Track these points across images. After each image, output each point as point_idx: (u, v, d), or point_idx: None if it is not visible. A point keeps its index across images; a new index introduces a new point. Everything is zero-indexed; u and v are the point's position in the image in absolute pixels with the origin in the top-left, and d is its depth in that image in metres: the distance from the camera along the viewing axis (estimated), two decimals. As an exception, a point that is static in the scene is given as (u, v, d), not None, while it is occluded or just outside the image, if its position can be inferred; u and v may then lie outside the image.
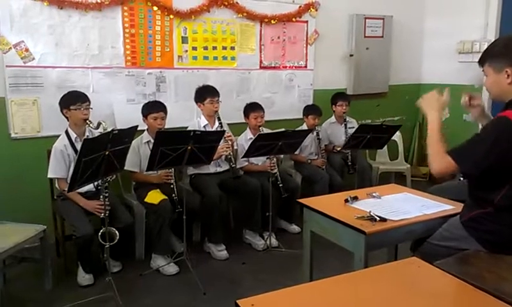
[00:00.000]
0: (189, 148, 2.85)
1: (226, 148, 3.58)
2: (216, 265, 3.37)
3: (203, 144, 2.93)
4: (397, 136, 4.75)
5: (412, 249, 2.28)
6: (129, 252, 3.35)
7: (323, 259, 2.66)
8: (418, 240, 2.19)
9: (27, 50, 3.40)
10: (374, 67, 5.21)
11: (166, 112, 3.47)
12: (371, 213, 2.10)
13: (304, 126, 4.29)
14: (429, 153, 1.94)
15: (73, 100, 3.08)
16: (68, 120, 3.14)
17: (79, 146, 2.97)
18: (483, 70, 2.03)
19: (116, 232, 2.85)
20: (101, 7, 3.61)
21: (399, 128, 4.05)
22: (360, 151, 4.17)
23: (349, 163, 4.28)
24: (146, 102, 3.62)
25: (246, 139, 3.88)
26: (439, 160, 1.87)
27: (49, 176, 3.09)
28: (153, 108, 3.44)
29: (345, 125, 4.45)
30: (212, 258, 3.46)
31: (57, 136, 3.15)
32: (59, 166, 3.05)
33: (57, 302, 2.76)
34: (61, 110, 3.12)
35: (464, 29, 5.16)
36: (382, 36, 5.20)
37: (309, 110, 4.33)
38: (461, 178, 3.43)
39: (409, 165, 5.02)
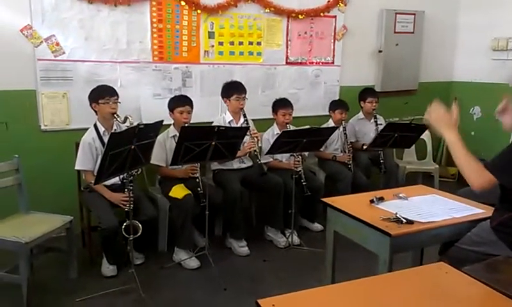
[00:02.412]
0: (213, 143, 2.85)
1: (252, 144, 3.57)
2: (237, 261, 3.37)
3: (227, 140, 2.93)
4: (425, 135, 4.62)
5: (440, 252, 2.21)
6: (152, 245, 3.39)
7: (346, 260, 2.61)
8: (447, 244, 2.13)
9: (57, 44, 3.47)
10: (404, 64, 5.08)
11: (192, 106, 3.48)
12: (397, 215, 2.04)
13: (331, 122, 4.23)
14: (464, 173, 1.83)
15: (102, 94, 3.13)
16: (96, 114, 3.19)
17: (106, 139, 3.01)
18: None
19: (140, 225, 2.89)
20: (130, 2, 3.65)
21: (428, 128, 3.94)
22: (387, 150, 4.07)
23: (381, 160, 4.14)
24: (172, 96, 3.64)
25: (272, 134, 3.86)
26: (477, 177, 1.78)
27: (76, 168, 3.16)
28: (180, 102, 3.46)
29: (376, 121, 4.35)
30: (234, 253, 3.46)
31: (86, 129, 3.20)
32: (87, 159, 3.11)
33: (82, 292, 2.82)
34: (90, 104, 3.17)
35: (499, 25, 4.97)
36: (413, 32, 5.07)
37: (336, 105, 4.25)
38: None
39: (437, 166, 4.88)
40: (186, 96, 3.57)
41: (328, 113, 4.34)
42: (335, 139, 4.20)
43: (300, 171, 3.64)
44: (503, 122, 2.18)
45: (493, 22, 5.02)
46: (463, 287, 1.47)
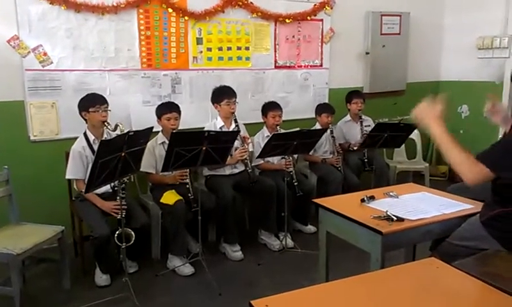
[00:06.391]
0: (204, 148, 2.85)
1: (244, 152, 3.58)
2: (232, 265, 3.37)
3: (218, 144, 2.93)
4: (415, 134, 4.67)
5: (431, 249, 2.23)
6: (145, 253, 3.37)
7: (339, 260, 2.63)
8: (438, 240, 2.15)
9: (45, 54, 3.46)
10: (391, 65, 5.14)
11: (179, 113, 3.47)
12: (388, 213, 2.06)
13: (317, 126, 4.26)
14: (456, 166, 1.79)
15: (91, 103, 3.12)
16: (86, 122, 3.18)
17: (96, 147, 3.00)
18: None
19: (132, 233, 2.88)
20: (117, 10, 3.64)
21: (417, 127, 3.97)
22: (377, 150, 4.12)
23: (366, 160, 4.21)
24: (160, 103, 3.64)
25: (263, 137, 3.87)
26: (469, 169, 1.75)
27: (67, 177, 3.14)
28: (166, 108, 3.46)
29: (361, 122, 4.40)
30: (228, 258, 3.46)
31: (75, 138, 3.19)
32: (77, 167, 3.09)
33: (75, 302, 2.80)
34: (80, 113, 3.16)
35: (484, 24, 5.05)
36: (399, 33, 5.13)
37: (322, 108, 4.29)
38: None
39: (427, 164, 4.93)
40: (173, 103, 3.57)
41: (317, 116, 4.37)
42: (323, 142, 4.22)
43: (292, 171, 3.65)
44: (493, 119, 2.25)
45: (478, 22, 5.10)
46: (454, 281, 1.49)
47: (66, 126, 3.54)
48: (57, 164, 3.36)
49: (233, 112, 3.64)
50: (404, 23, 5.13)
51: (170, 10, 3.88)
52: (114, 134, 3.07)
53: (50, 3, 3.40)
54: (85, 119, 3.17)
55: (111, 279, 3.05)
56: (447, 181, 5.21)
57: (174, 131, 3.21)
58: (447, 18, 5.56)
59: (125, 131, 2.80)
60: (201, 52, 4.10)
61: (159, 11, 3.85)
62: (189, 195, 3.28)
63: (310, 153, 3.98)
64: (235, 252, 3.45)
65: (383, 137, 3.72)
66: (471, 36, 5.19)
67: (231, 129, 3.66)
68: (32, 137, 3.48)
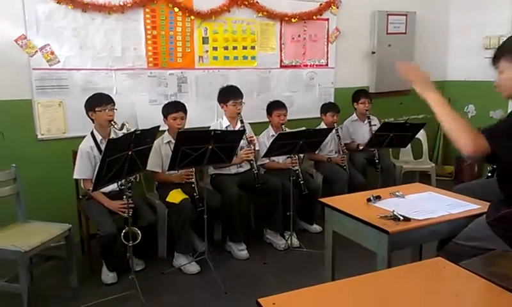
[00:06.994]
0: (210, 147, 2.86)
1: (250, 153, 3.59)
2: (237, 264, 3.38)
3: (224, 143, 2.94)
4: (421, 134, 4.66)
5: (438, 249, 2.23)
6: (152, 251, 3.39)
7: (345, 260, 2.63)
8: (444, 240, 2.14)
9: (52, 53, 3.48)
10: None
11: (185, 112, 3.49)
12: (394, 213, 2.06)
13: (322, 125, 4.26)
14: (454, 133, 1.71)
15: (98, 102, 3.13)
16: (93, 122, 3.19)
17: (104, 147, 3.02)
18: (497, 67, 1.93)
19: (139, 231, 2.89)
20: (123, 9, 3.66)
21: (423, 127, 3.97)
22: (383, 149, 4.10)
23: (377, 160, 4.19)
24: (166, 102, 3.65)
25: (268, 136, 3.88)
26: (469, 140, 1.67)
27: (75, 177, 3.16)
28: (173, 108, 3.48)
29: (370, 122, 4.39)
30: (233, 257, 3.46)
31: (82, 137, 3.21)
32: (85, 167, 3.11)
33: (82, 300, 2.82)
34: (87, 113, 3.17)
35: (491, 23, 5.03)
36: (405, 33, 5.11)
37: (327, 107, 4.28)
38: (489, 174, 3.34)
39: (433, 164, 4.92)
40: (179, 102, 3.58)
41: (322, 115, 4.36)
42: (329, 141, 4.21)
43: (297, 170, 3.65)
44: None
45: (484, 21, 5.08)
46: (461, 281, 1.49)
47: (73, 125, 3.56)
48: (64, 162, 3.38)
49: (239, 113, 3.65)
50: (410, 23, 5.12)
51: (176, 10, 3.89)
52: (120, 133, 3.08)
53: (57, 2, 3.42)
54: (92, 119, 3.19)
55: (118, 277, 3.07)
56: (454, 181, 5.20)
57: (180, 130, 3.23)
58: (453, 18, 5.53)
59: (132, 130, 2.82)
60: (207, 51, 4.11)
61: (165, 11, 3.86)
62: (195, 194, 3.29)
63: (316, 152, 3.98)
64: (240, 251, 3.46)
65: (389, 136, 3.71)
66: (477, 35, 5.17)
67: (236, 129, 3.67)
68: (39, 136, 3.51)
